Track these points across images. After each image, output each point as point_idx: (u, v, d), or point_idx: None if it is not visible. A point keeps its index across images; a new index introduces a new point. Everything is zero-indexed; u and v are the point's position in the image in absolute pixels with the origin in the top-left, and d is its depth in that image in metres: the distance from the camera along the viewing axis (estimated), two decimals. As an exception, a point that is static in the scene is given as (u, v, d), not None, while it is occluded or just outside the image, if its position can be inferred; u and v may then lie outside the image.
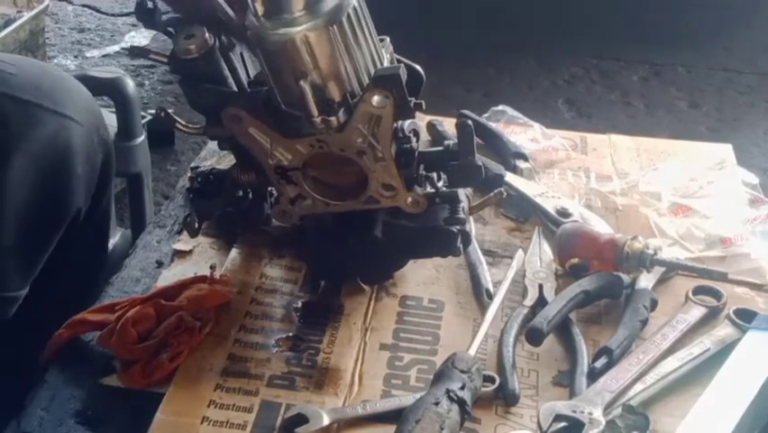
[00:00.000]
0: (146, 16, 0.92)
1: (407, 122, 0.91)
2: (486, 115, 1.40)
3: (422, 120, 1.26)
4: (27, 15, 2.02)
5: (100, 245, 1.25)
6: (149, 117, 1.92)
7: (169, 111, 0.97)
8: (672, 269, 1.07)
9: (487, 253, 1.12)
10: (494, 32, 3.09)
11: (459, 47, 3.03)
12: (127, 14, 3.37)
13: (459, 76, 2.85)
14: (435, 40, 2.89)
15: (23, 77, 1.08)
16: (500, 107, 1.42)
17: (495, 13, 3.09)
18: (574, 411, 0.85)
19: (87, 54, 3.09)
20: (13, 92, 1.04)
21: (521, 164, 1.26)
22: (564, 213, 1.16)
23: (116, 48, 3.13)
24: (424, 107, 0.91)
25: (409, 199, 0.94)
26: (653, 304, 1.01)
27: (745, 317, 0.99)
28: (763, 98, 2.87)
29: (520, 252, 1.11)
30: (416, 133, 0.93)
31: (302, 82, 0.86)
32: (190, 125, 0.97)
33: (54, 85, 1.11)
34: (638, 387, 0.90)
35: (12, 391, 0.98)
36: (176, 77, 0.93)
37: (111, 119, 1.79)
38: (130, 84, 1.77)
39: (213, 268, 1.06)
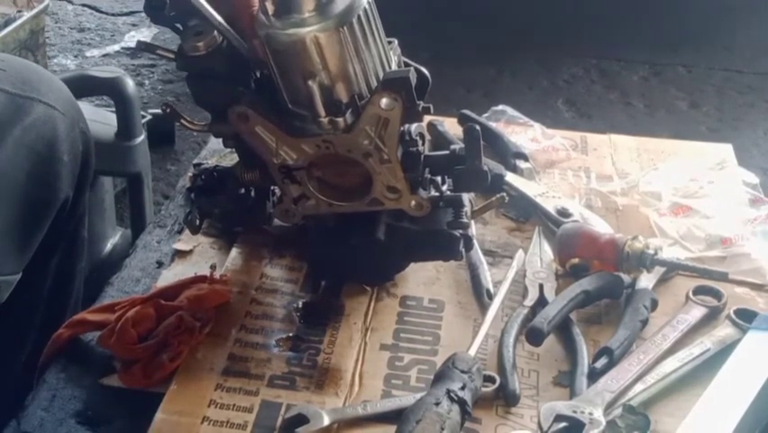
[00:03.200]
0: (154, 12, 0.91)
1: (414, 125, 0.91)
2: (486, 114, 1.40)
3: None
4: (27, 15, 2.01)
5: (80, 238, 1.28)
6: (149, 117, 1.92)
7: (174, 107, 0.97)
8: (673, 269, 1.07)
9: (487, 253, 1.12)
10: (494, 32, 3.09)
11: (459, 47, 3.03)
12: (127, 14, 3.37)
13: (459, 76, 2.85)
14: (436, 40, 2.89)
15: (12, 72, 1.13)
16: (500, 107, 1.42)
17: (495, 13, 3.09)
18: (575, 412, 0.85)
19: (87, 54, 3.09)
20: (3, 86, 1.09)
21: (521, 164, 1.26)
22: (565, 213, 1.16)
23: (116, 47, 3.13)
24: (432, 111, 0.90)
25: (413, 202, 0.94)
26: (654, 304, 1.01)
27: (746, 318, 0.99)
28: (764, 98, 2.87)
29: (520, 252, 1.11)
30: (423, 137, 0.93)
31: (310, 82, 0.86)
32: (195, 122, 0.97)
33: (39, 79, 1.16)
34: (639, 387, 0.90)
35: (12, 391, 0.99)
36: (182, 74, 0.92)
37: (111, 119, 1.79)
38: (130, 83, 1.77)
39: (213, 268, 1.06)
